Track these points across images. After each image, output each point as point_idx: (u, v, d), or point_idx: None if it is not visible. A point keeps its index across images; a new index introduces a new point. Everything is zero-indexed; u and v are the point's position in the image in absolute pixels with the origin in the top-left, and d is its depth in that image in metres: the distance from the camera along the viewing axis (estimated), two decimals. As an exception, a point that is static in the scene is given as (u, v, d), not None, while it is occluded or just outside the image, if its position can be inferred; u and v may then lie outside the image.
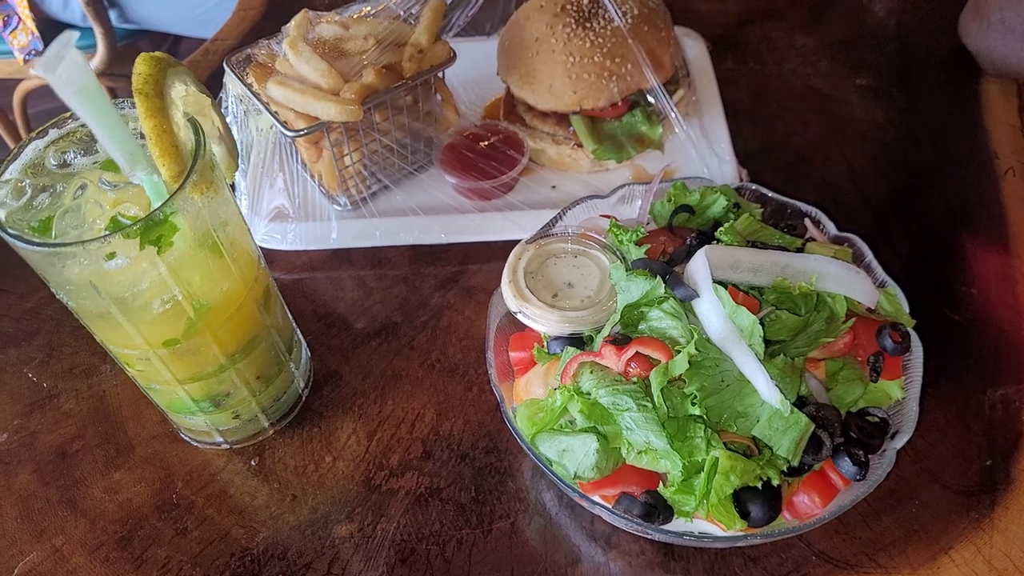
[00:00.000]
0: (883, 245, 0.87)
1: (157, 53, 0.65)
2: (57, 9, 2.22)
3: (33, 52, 2.23)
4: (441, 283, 1.04)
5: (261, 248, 1.04)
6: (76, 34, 0.47)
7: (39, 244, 0.60)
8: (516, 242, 0.85)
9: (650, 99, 1.08)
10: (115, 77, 2.33)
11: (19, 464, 0.87)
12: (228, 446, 0.87)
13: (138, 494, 0.84)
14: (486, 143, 1.10)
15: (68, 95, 0.49)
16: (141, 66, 0.63)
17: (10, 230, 0.61)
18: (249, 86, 0.99)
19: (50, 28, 2.25)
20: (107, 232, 0.62)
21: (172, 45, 2.55)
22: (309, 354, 0.95)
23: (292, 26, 1.01)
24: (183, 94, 0.68)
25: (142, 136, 0.64)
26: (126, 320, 0.68)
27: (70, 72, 0.47)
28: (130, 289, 0.66)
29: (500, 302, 0.82)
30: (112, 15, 2.20)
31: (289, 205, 1.06)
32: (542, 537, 0.80)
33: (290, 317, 0.90)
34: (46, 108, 3.16)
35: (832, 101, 1.28)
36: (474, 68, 1.14)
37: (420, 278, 1.04)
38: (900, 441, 0.71)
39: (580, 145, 1.09)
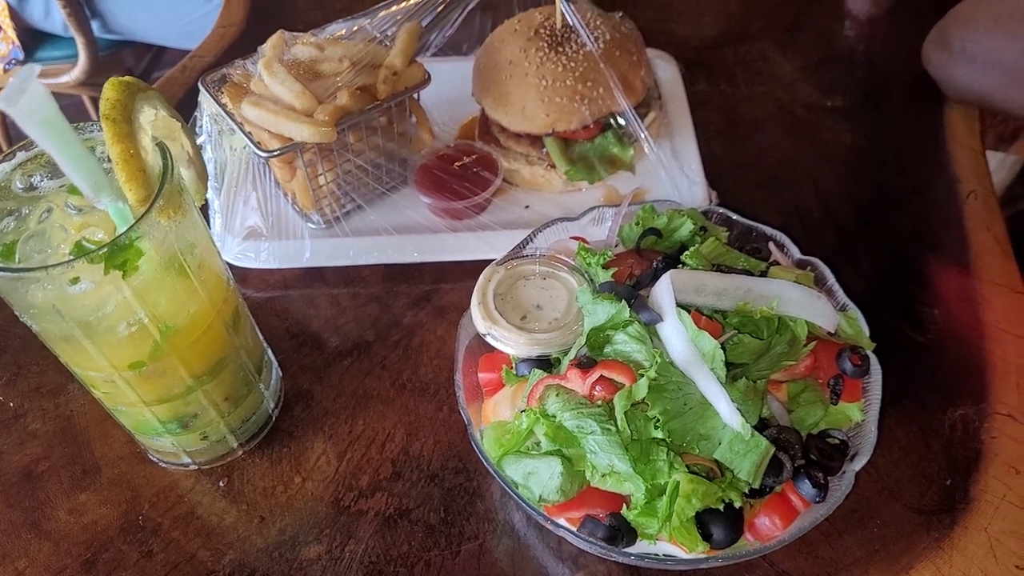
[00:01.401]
0: (847, 265, 0.88)
1: (127, 78, 0.65)
2: (38, 18, 2.21)
3: (13, 62, 2.23)
4: (414, 302, 1.04)
5: (234, 266, 1.05)
6: (38, 67, 0.48)
7: (2, 269, 0.60)
8: (489, 262, 0.86)
9: (622, 121, 1.09)
10: (96, 87, 2.33)
11: (-17, 485, 0.87)
12: (196, 467, 0.87)
13: (104, 516, 0.84)
14: (460, 164, 1.11)
15: (30, 127, 0.50)
16: (109, 91, 0.63)
17: (-27, 254, 0.61)
18: (224, 106, 0.99)
19: (31, 37, 2.24)
20: (71, 257, 0.62)
21: (155, 56, 2.55)
22: (280, 374, 0.95)
23: (267, 47, 1.02)
24: (152, 118, 0.68)
25: (109, 160, 0.64)
26: (90, 343, 0.68)
27: (32, 104, 0.47)
28: (95, 313, 0.66)
29: (470, 324, 0.83)
30: (95, 25, 2.20)
31: (263, 224, 1.06)
32: (510, 558, 0.81)
33: (260, 337, 0.90)
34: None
35: (802, 123, 1.30)
36: (450, 88, 1.15)
37: (393, 297, 1.05)
38: (859, 463, 0.72)
39: (553, 166, 1.11)
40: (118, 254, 0.62)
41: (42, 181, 0.68)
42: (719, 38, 1.47)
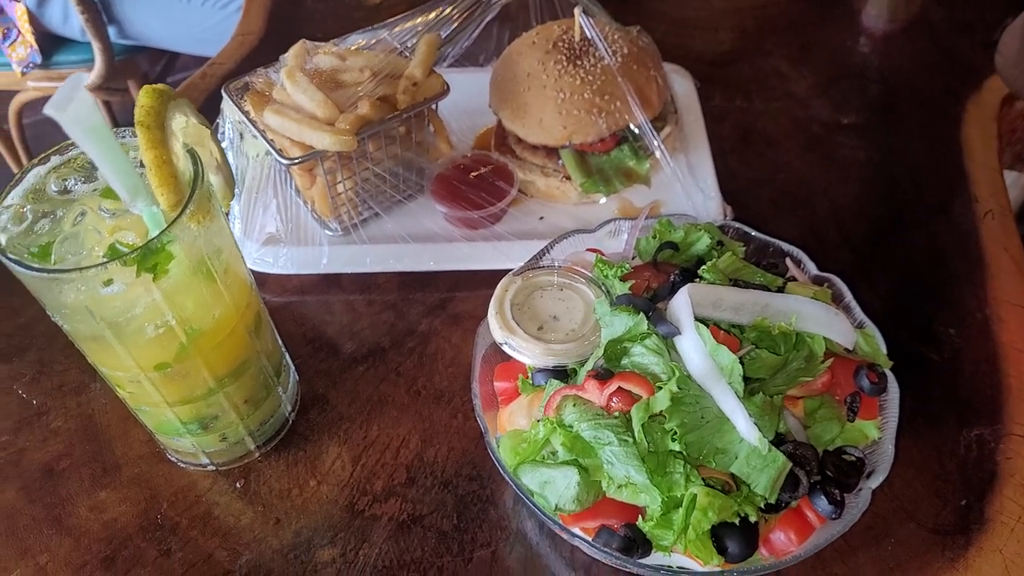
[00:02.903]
0: (863, 283, 0.89)
1: (159, 85, 0.67)
2: (57, 23, 2.23)
3: (31, 65, 2.25)
4: (429, 310, 1.05)
5: (253, 271, 1.06)
6: (86, 76, 0.49)
7: (38, 270, 0.61)
8: (503, 271, 0.87)
9: (638, 135, 1.10)
10: (111, 91, 2.35)
11: (6, 481, 0.88)
12: (214, 468, 0.88)
13: (123, 514, 0.85)
14: (476, 174, 1.12)
15: (76, 134, 0.51)
16: (144, 98, 0.65)
17: (10, 255, 0.62)
18: (246, 113, 1.01)
19: (49, 42, 2.27)
20: (105, 259, 0.63)
21: (169, 61, 2.58)
22: (297, 378, 0.96)
23: (290, 56, 1.03)
24: (183, 125, 0.69)
25: (142, 165, 0.65)
26: (119, 344, 0.69)
27: (79, 112, 0.49)
28: (124, 314, 0.67)
29: (486, 333, 0.84)
30: (111, 31, 2.22)
31: (282, 229, 1.07)
32: (523, 566, 0.81)
33: (279, 342, 0.91)
34: (40, 118, 3.17)
35: (817, 140, 1.31)
36: (466, 98, 1.16)
37: (408, 304, 1.06)
38: (875, 481, 0.73)
39: (568, 178, 1.12)
40: (150, 257, 0.63)
41: (76, 184, 0.69)
42: (734, 53, 1.48)
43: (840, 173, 1.25)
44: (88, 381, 0.96)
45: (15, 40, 2.24)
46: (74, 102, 0.48)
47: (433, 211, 1.12)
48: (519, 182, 1.12)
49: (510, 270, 0.88)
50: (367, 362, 0.99)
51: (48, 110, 0.47)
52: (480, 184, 1.10)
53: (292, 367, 0.95)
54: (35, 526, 0.84)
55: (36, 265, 0.62)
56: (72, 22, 2.20)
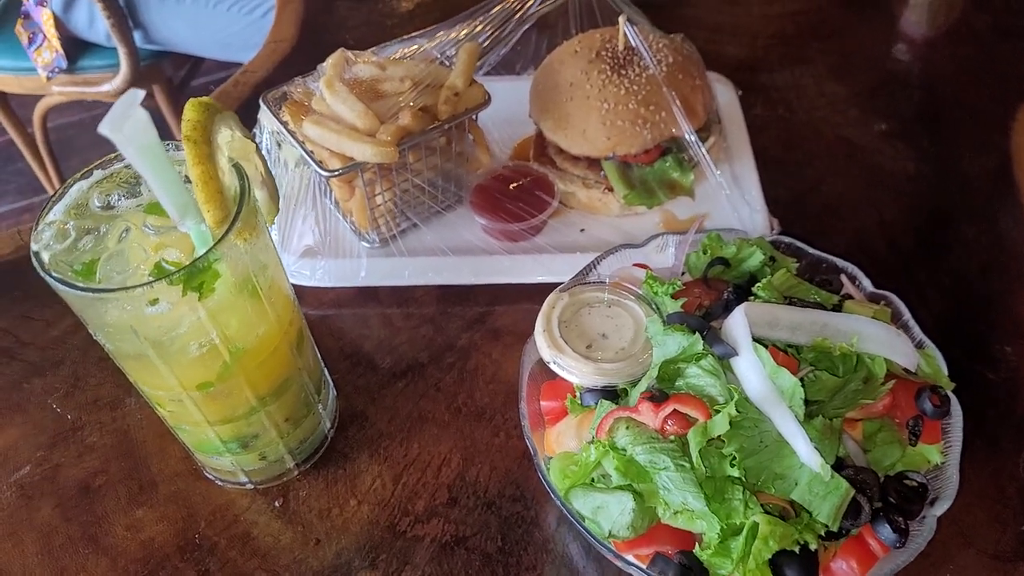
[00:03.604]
0: (914, 299, 0.86)
1: (205, 99, 0.65)
2: (83, 28, 2.24)
3: (57, 70, 2.26)
4: (468, 324, 1.03)
5: (290, 284, 1.04)
6: (141, 93, 0.47)
7: (83, 289, 0.60)
8: (544, 284, 0.85)
9: (682, 145, 1.08)
10: (137, 97, 2.35)
11: (42, 498, 0.87)
12: (253, 486, 0.87)
13: (160, 533, 0.84)
14: (516, 185, 1.10)
15: (130, 152, 0.49)
16: (190, 112, 0.63)
17: (54, 274, 0.61)
18: (285, 124, 0.99)
19: (75, 46, 2.27)
20: (151, 278, 0.62)
21: (193, 66, 2.58)
22: (336, 394, 0.94)
23: (328, 65, 1.01)
24: (228, 139, 0.68)
25: (187, 180, 0.64)
26: (162, 363, 0.68)
27: (135, 131, 0.47)
28: (168, 333, 0.65)
29: (532, 350, 0.82)
30: (136, 36, 2.22)
31: (319, 241, 1.06)
32: (570, 591, 0.79)
33: (319, 358, 0.89)
34: (64, 122, 3.19)
35: (861, 150, 1.27)
36: (504, 107, 1.14)
37: (447, 318, 1.04)
38: (940, 508, 0.70)
39: (611, 189, 1.09)
40: (196, 276, 0.62)
41: (119, 200, 0.68)
42: (774, 61, 1.45)
43: (885, 184, 1.22)
44: (123, 395, 0.95)
45: (41, 45, 2.25)
46: (130, 120, 0.46)
47: (472, 223, 1.10)
48: (560, 193, 1.10)
49: (551, 283, 0.86)
50: (406, 378, 0.97)
51: (103, 129, 0.45)
52: (520, 195, 1.08)
53: (331, 383, 0.93)
54: (71, 545, 0.83)
55: (81, 284, 0.61)
56: (98, 27, 2.20)
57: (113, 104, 0.47)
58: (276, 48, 1.51)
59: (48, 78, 2.28)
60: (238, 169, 0.67)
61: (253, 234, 0.67)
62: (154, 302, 0.61)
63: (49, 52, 2.25)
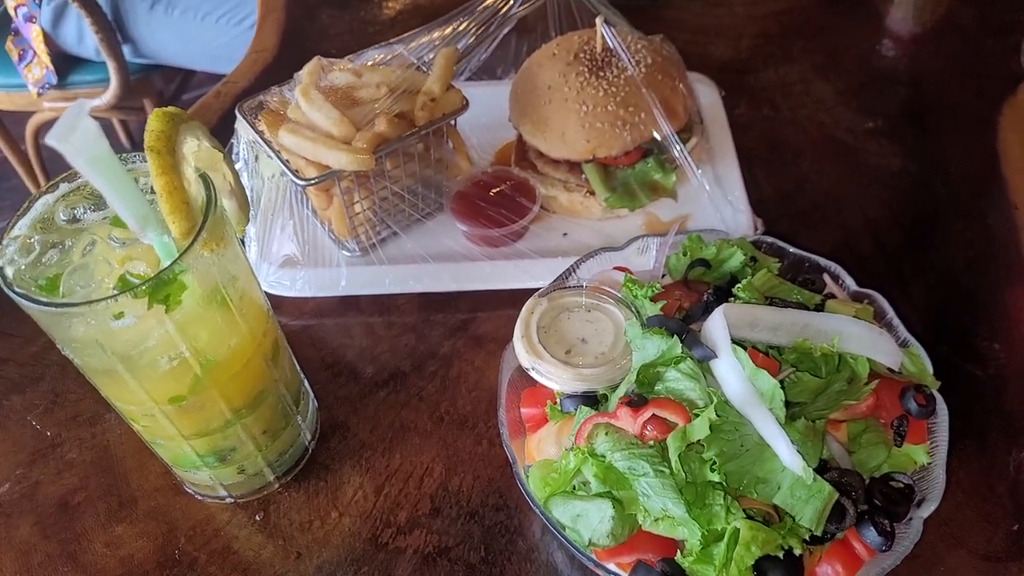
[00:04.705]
0: (900, 297, 0.85)
1: (170, 108, 0.64)
2: (72, 43, 2.24)
3: (47, 86, 2.26)
4: (450, 331, 1.02)
5: (268, 294, 1.03)
6: (89, 103, 0.46)
7: (46, 304, 0.59)
8: (526, 290, 0.84)
9: (663, 147, 1.07)
10: (127, 111, 2.35)
11: (20, 516, 0.86)
12: (233, 500, 0.85)
13: (140, 549, 0.82)
14: (497, 191, 1.09)
15: (80, 163, 0.49)
16: (154, 123, 0.62)
17: (17, 289, 0.60)
18: (261, 133, 0.99)
19: (64, 62, 2.27)
20: (115, 291, 0.61)
21: (184, 79, 2.58)
22: (316, 405, 0.93)
23: (304, 73, 1.01)
24: (195, 149, 0.67)
25: (152, 192, 0.63)
26: (131, 377, 0.67)
27: (84, 141, 0.46)
28: (136, 347, 0.64)
29: (511, 357, 0.81)
30: (126, 50, 2.22)
31: (299, 251, 1.05)
32: (554, 601, 0.78)
33: (298, 369, 0.88)
34: (58, 140, 3.19)
35: (847, 148, 1.27)
36: (485, 113, 1.13)
37: (429, 326, 1.03)
38: (927, 510, 0.69)
39: (592, 193, 1.08)
40: (162, 288, 0.61)
41: (85, 213, 0.67)
42: (759, 61, 1.45)
43: (872, 182, 1.21)
44: (103, 411, 0.94)
45: (31, 61, 2.25)
46: (77, 131, 0.45)
47: (453, 229, 1.09)
48: (541, 198, 1.09)
49: (533, 289, 0.85)
50: (388, 387, 0.96)
51: (50, 140, 0.44)
52: (501, 201, 1.07)
53: (311, 394, 0.92)
54: (50, 563, 0.81)
55: (44, 299, 0.60)
56: (87, 42, 2.20)
57: (107, 118, 0.46)
58: (258, 58, 1.50)
59: (39, 94, 2.28)
60: (205, 179, 0.66)
61: (221, 244, 0.66)
62: (119, 316, 0.60)
63: (39, 68, 2.25)
